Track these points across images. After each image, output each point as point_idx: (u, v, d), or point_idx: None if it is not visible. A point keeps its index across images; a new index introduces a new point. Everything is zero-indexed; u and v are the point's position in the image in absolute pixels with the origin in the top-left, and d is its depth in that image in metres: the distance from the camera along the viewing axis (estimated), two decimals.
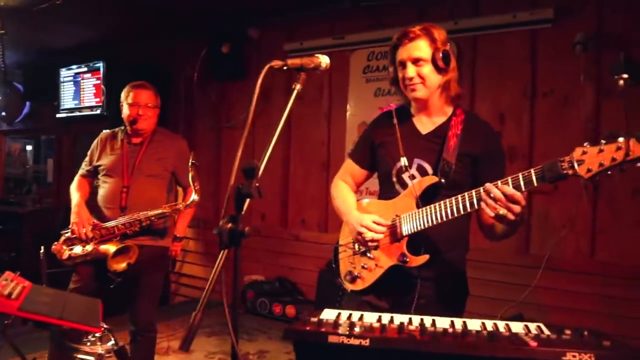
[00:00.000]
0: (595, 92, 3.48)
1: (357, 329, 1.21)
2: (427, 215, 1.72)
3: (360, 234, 1.82)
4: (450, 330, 1.20)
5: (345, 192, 2.07)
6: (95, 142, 3.12)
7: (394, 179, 1.90)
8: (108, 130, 3.15)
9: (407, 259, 1.76)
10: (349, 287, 1.91)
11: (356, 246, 1.90)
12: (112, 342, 1.70)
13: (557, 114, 3.62)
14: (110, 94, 5.45)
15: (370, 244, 1.81)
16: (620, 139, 1.36)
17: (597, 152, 1.39)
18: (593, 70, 3.48)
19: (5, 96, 6.85)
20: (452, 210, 1.66)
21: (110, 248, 2.75)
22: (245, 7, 4.69)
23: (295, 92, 1.61)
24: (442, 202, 1.69)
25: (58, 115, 6.31)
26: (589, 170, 1.40)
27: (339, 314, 1.42)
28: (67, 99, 6.16)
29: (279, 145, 4.96)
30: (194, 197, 2.84)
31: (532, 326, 1.27)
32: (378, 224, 1.81)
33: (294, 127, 4.88)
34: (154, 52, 5.68)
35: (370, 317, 1.36)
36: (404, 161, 1.85)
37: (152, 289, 2.99)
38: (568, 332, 1.20)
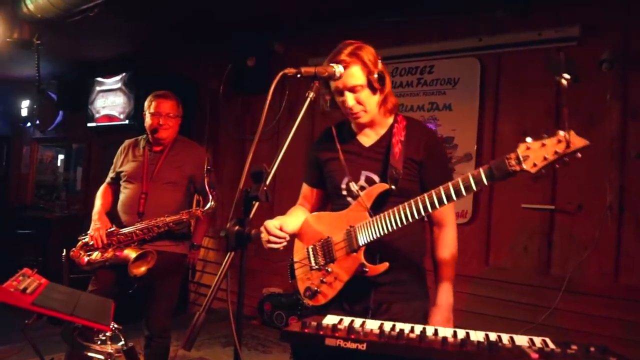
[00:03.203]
0: (621, 111, 3.42)
1: (354, 333, 1.21)
2: (381, 223, 1.72)
3: (261, 232, 1.81)
4: (451, 339, 1.18)
5: (292, 209, 2.08)
6: (119, 149, 3.21)
7: (344, 193, 1.91)
8: (132, 139, 3.23)
9: (367, 269, 1.76)
10: (310, 303, 1.88)
11: (312, 261, 1.89)
12: (122, 342, 1.72)
13: (581, 134, 3.52)
14: (138, 105, 5.59)
15: (266, 244, 1.81)
16: (561, 132, 1.43)
17: (540, 146, 1.45)
18: (619, 89, 3.42)
19: (40, 105, 7.08)
20: (405, 216, 1.67)
21: (131, 254, 2.81)
22: (271, 22, 4.77)
23: (308, 100, 1.65)
24: (395, 208, 1.70)
25: (89, 125, 6.49)
26: (534, 165, 1.46)
27: (341, 319, 1.42)
28: (97, 109, 6.35)
29: (301, 160, 4.98)
30: (211, 203, 2.87)
31: (537, 340, 1.24)
32: (282, 230, 1.81)
33: None
34: (181, 64, 5.81)
35: (372, 324, 1.35)
36: (352, 185, 1.86)
37: (168, 295, 3.02)
38: (574, 347, 1.17)
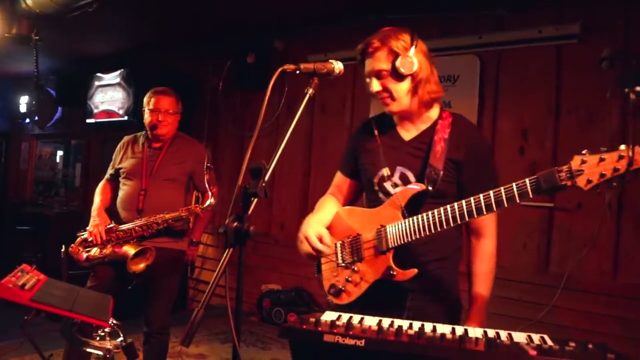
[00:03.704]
0: (621, 109, 3.41)
1: (353, 330, 1.21)
2: (414, 226, 1.64)
3: (300, 241, 1.78)
4: (449, 335, 1.18)
5: (324, 201, 2.00)
6: (118, 146, 3.21)
7: (376, 188, 1.83)
8: (130, 135, 3.23)
9: (394, 273, 1.68)
10: (334, 300, 1.83)
11: (339, 258, 1.83)
12: (121, 338, 1.72)
13: (581, 131, 3.56)
14: (138, 101, 5.58)
15: (306, 257, 1.77)
16: (623, 147, 1.27)
17: (598, 162, 1.30)
18: (619, 87, 3.41)
19: (39, 101, 7.06)
20: (441, 221, 1.58)
21: (130, 250, 2.81)
22: (271, 19, 4.77)
23: (307, 96, 1.64)
24: (429, 212, 1.62)
25: (88, 121, 6.48)
26: (589, 182, 1.31)
27: (339, 315, 1.42)
28: (96, 105, 6.34)
29: (300, 156, 5.03)
30: (210, 200, 2.87)
31: (536, 337, 1.24)
32: (323, 242, 1.75)
33: (316, 139, 4.91)
34: (181, 60, 5.80)
35: (370, 320, 1.35)
36: (385, 171, 1.80)
37: (167, 292, 3.02)
38: (572, 344, 1.17)
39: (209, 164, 2.86)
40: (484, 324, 1.71)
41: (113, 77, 6.09)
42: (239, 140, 5.50)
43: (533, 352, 1.09)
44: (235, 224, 1.33)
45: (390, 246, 1.70)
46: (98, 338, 1.70)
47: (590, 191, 1.33)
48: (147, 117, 3.05)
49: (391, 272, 1.68)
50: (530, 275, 3.65)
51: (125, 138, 3.22)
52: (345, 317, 1.40)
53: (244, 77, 5.12)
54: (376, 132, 1.85)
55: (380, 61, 1.74)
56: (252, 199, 1.37)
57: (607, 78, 3.42)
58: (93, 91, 6.37)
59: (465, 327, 1.29)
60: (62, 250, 2.99)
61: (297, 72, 1.63)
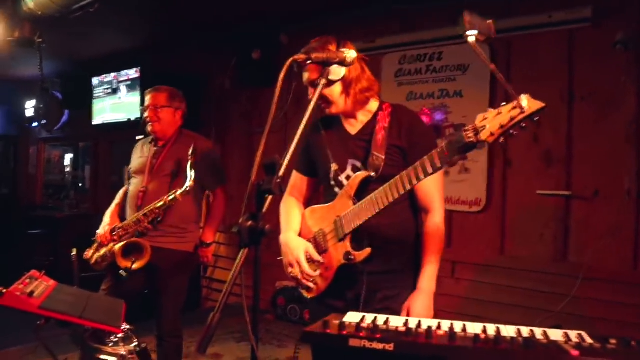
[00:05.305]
0: (637, 93, 3.32)
1: (380, 333, 1.15)
2: (362, 208, 1.75)
3: (291, 265, 1.91)
4: (482, 336, 1.12)
5: (289, 207, 2.09)
6: (134, 148, 3.21)
7: (332, 183, 1.93)
8: (146, 137, 3.20)
9: (352, 257, 1.79)
10: (306, 295, 1.95)
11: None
12: (135, 343, 1.68)
13: (596, 117, 3.47)
14: (144, 102, 5.53)
15: (296, 282, 1.89)
16: (522, 96, 1.42)
17: (496, 115, 1.43)
18: (635, 71, 3.32)
19: (45, 105, 7.04)
20: (382, 198, 1.69)
21: (117, 246, 2.79)
22: (277, 14, 4.69)
23: (321, 86, 1.60)
24: (373, 193, 1.73)
25: (95, 123, 6.45)
26: (491, 134, 1.43)
27: (363, 317, 1.36)
28: (102, 107, 6.30)
29: None
30: (188, 183, 2.74)
31: (573, 334, 1.17)
32: (311, 259, 1.86)
33: None
34: (187, 59, 5.74)
35: (396, 321, 1.29)
36: (334, 166, 1.92)
37: (176, 294, 2.97)
38: (613, 341, 1.10)
39: (194, 148, 2.78)
40: (431, 292, 1.82)
41: (119, 78, 6.05)
42: (247, 137, 5.44)
43: (575, 353, 1.02)
44: (250, 222, 1.29)
45: (346, 232, 1.81)
46: (111, 344, 1.65)
47: (493, 143, 1.46)
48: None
49: (350, 257, 1.80)
50: (548, 265, 3.58)
51: (140, 140, 3.21)
52: (369, 318, 1.34)
53: (251, 73, 5.05)
54: (323, 132, 1.98)
55: (312, 72, 1.86)
56: (267, 195, 1.33)
57: (621, 62, 3.34)
58: (99, 92, 6.33)
59: (498, 326, 1.22)
60: (73, 253, 2.95)
61: (308, 62, 1.59)
